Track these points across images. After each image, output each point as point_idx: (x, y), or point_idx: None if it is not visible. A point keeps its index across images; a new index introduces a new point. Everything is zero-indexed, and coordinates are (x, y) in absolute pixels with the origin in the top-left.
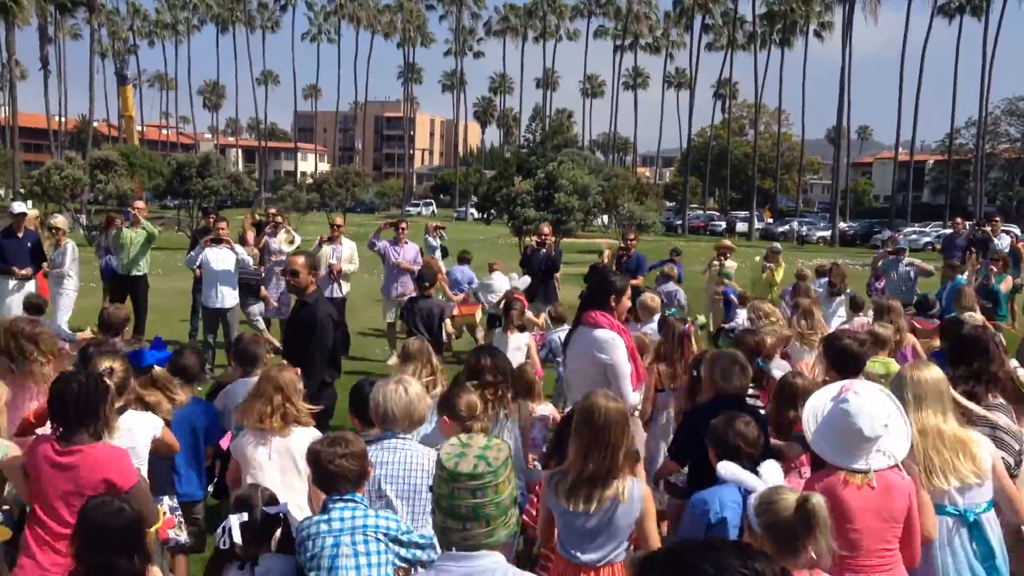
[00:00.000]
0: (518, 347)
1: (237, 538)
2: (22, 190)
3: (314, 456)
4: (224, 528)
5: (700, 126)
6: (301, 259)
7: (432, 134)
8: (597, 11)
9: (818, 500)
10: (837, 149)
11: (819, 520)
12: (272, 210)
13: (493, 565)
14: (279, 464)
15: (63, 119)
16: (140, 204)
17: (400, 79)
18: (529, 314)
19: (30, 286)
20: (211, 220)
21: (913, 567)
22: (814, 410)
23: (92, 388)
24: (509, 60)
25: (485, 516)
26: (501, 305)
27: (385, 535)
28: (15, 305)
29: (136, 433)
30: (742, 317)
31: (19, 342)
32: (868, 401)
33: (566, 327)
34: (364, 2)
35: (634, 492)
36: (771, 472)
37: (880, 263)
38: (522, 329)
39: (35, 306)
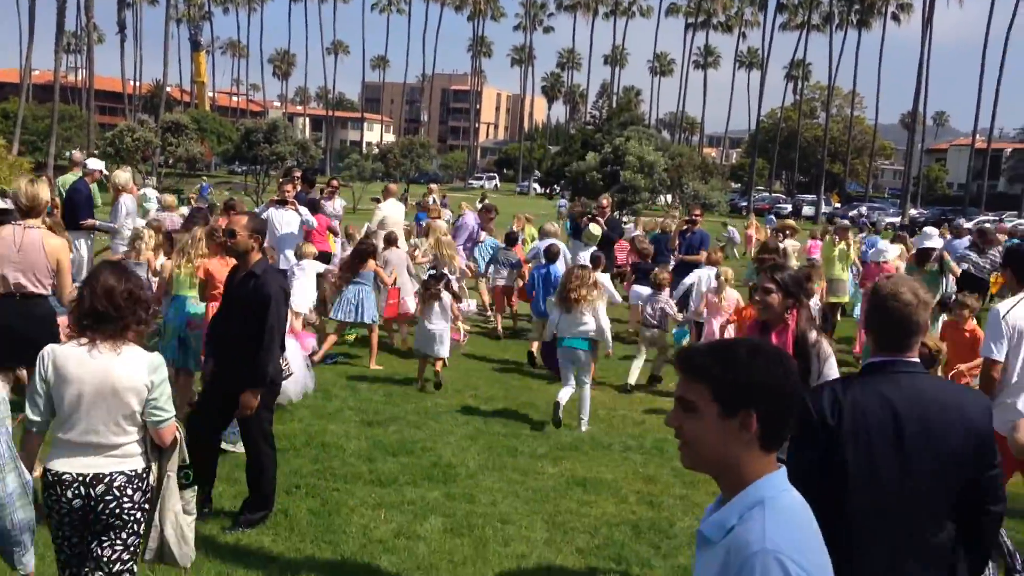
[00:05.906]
0: None
1: None
2: (96, 151)
3: None
4: None
5: (770, 107)
6: (244, 219)
7: (498, 108)
8: None
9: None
10: (911, 134)
11: None
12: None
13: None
14: None
15: (137, 83)
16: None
17: (469, 52)
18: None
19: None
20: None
21: None
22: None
23: None
24: (579, 36)
25: None
26: None
27: None
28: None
29: None
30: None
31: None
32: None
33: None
34: None
35: None
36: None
37: None
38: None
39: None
